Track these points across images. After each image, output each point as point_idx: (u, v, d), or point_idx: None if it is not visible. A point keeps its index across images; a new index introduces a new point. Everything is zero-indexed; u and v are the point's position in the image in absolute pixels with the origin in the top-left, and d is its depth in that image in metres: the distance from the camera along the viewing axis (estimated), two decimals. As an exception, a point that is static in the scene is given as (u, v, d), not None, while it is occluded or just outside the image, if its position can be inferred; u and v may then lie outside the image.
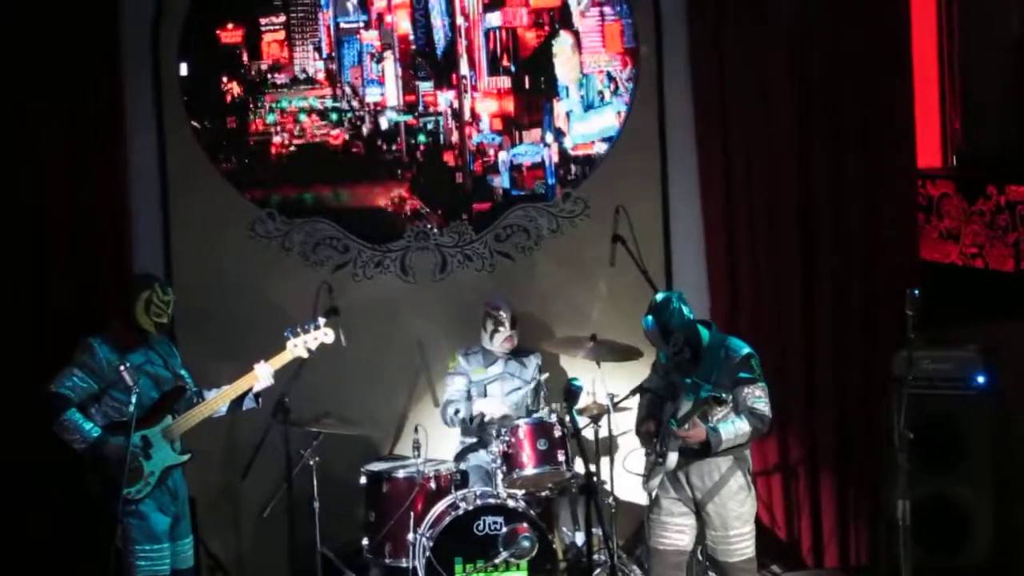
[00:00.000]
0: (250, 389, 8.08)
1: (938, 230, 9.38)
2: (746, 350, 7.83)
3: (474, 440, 9.07)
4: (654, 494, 7.97)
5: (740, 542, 7.85)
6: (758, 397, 7.76)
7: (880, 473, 9.07)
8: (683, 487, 7.88)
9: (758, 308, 9.36)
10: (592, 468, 8.21)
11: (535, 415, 8.86)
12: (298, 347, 8.15)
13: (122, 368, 7.62)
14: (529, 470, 8.62)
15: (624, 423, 8.92)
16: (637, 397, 8.56)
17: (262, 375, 8.06)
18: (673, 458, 7.76)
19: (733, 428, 7.70)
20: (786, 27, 9.28)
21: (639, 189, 9.44)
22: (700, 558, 8.32)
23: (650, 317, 7.83)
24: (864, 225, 9.32)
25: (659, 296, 7.95)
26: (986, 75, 9.50)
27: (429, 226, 9.55)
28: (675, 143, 9.49)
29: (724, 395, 7.63)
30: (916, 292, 7.82)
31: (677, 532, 7.93)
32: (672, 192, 9.50)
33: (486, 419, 8.98)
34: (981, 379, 8.73)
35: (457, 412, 9.04)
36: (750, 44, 9.31)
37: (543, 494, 8.79)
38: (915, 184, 9.39)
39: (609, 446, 8.92)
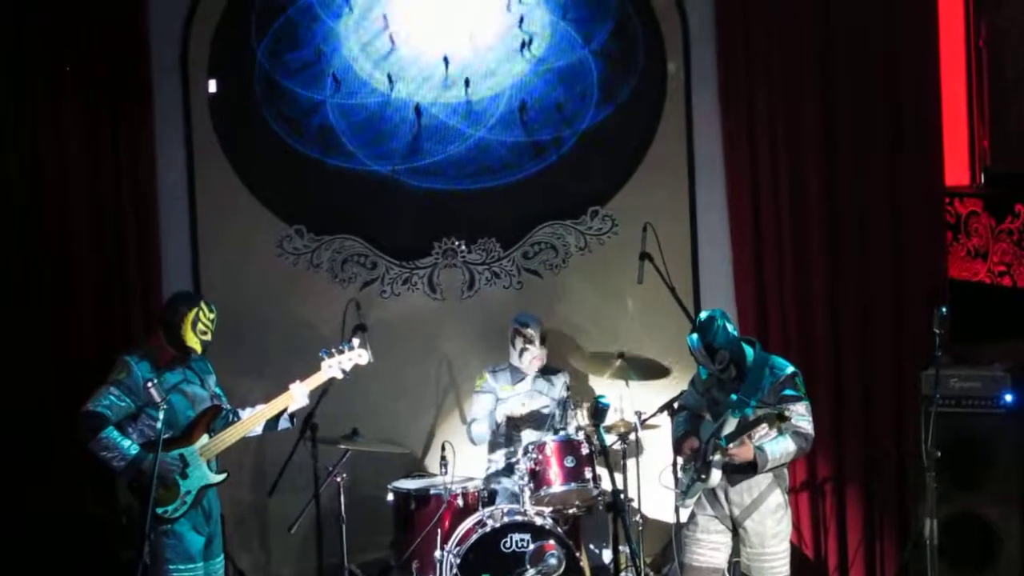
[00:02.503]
0: (285, 409, 8.08)
1: (966, 248, 9.37)
2: (790, 368, 7.79)
3: (502, 464, 9.04)
4: (690, 510, 7.96)
5: (776, 560, 7.82)
6: (802, 415, 7.70)
7: (907, 491, 9.06)
8: (721, 504, 7.85)
9: (785, 325, 9.34)
10: (619, 485, 8.20)
11: (562, 432, 8.87)
12: (333, 368, 8.15)
13: (149, 384, 7.62)
14: (556, 487, 8.62)
15: (652, 440, 8.92)
16: (665, 414, 8.56)
17: (297, 395, 8.05)
18: (716, 475, 7.72)
19: (780, 448, 7.66)
20: (814, 46, 9.27)
21: (667, 206, 9.43)
22: (732, 576, 8.34)
23: (695, 335, 7.75)
24: (892, 243, 9.29)
25: (703, 314, 7.88)
26: (1015, 93, 9.48)
27: (457, 243, 9.58)
28: (703, 159, 9.47)
29: (784, 410, 7.58)
30: (944, 310, 7.84)
31: (712, 549, 7.89)
32: (700, 209, 9.49)
33: (516, 416, 8.99)
34: (1009, 397, 8.67)
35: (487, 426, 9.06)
36: (778, 62, 9.30)
37: (570, 511, 8.78)
38: (943, 202, 9.38)
39: (636, 463, 8.93)
